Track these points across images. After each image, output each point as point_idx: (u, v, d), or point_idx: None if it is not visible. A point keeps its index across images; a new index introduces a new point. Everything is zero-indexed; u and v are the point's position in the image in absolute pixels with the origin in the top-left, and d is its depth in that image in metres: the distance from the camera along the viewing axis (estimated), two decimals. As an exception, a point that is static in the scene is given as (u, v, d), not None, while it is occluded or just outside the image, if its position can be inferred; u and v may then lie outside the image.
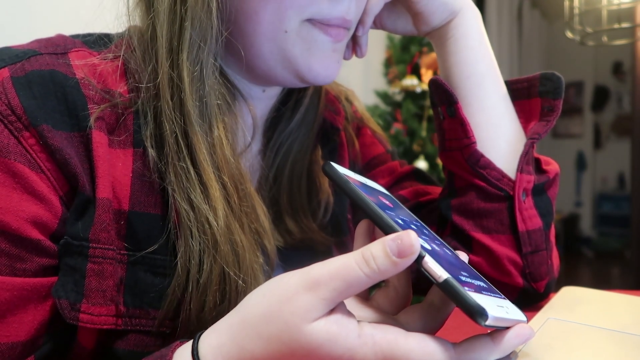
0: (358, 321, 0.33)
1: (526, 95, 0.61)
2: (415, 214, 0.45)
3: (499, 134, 0.59)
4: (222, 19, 0.47)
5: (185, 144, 0.46)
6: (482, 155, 0.57)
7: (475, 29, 0.60)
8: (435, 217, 0.64)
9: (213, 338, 0.35)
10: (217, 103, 0.48)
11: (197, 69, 0.46)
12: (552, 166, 0.62)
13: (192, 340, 0.36)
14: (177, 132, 0.46)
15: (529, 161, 0.58)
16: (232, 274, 0.46)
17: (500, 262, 0.57)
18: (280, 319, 0.32)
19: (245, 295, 0.36)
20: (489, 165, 0.58)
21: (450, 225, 0.61)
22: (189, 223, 0.45)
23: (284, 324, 0.32)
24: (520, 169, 0.57)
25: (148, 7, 0.47)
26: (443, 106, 0.59)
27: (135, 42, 0.49)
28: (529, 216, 0.58)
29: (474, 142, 0.57)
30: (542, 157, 0.62)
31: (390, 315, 0.38)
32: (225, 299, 0.46)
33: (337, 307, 0.33)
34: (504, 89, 0.61)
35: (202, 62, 0.47)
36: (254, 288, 0.35)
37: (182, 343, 0.37)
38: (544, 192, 0.60)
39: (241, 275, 0.46)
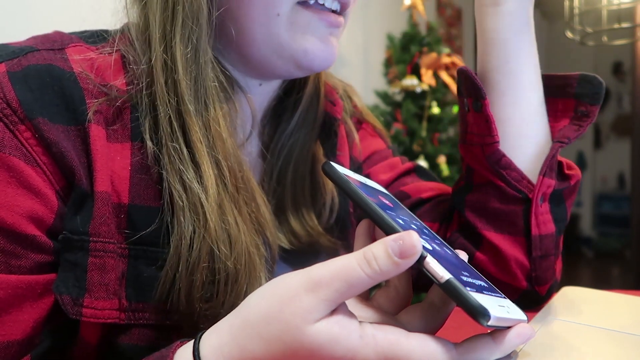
0: (359, 322, 0.33)
1: (559, 93, 0.57)
2: (416, 211, 0.44)
3: (527, 132, 0.55)
4: (213, 3, 0.48)
5: (179, 125, 0.46)
6: (503, 155, 0.55)
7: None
8: (437, 214, 0.64)
9: (214, 338, 0.35)
10: (213, 85, 0.48)
11: (191, 51, 0.46)
12: (574, 171, 0.58)
13: (193, 340, 0.36)
14: (171, 113, 0.46)
15: (553, 165, 0.56)
16: (221, 254, 0.45)
17: (508, 264, 0.56)
18: (281, 319, 0.32)
19: (237, 279, 0.36)
20: (510, 166, 0.55)
21: (459, 221, 0.60)
22: (181, 204, 0.45)
23: (285, 324, 0.32)
24: (543, 173, 0.54)
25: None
26: (470, 99, 0.56)
27: (133, 35, 0.49)
28: (543, 221, 0.56)
29: (497, 142, 0.54)
30: (565, 160, 0.58)
31: (391, 315, 0.38)
32: (215, 279, 0.45)
33: (339, 308, 0.33)
34: (540, 82, 0.56)
35: (195, 45, 0.47)
36: (249, 274, 0.35)
37: (182, 343, 0.37)
38: (562, 198, 0.58)
39: (233, 256, 0.46)
